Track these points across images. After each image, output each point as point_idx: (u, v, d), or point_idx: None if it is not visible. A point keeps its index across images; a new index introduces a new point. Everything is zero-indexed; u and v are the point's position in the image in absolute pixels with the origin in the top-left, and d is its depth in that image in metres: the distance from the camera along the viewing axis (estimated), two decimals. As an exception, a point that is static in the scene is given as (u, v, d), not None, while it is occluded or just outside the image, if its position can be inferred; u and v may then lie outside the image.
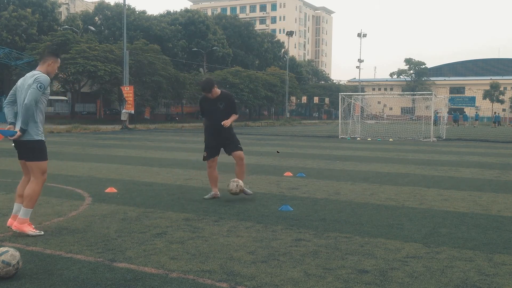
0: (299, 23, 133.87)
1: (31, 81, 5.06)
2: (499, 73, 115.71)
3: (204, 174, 10.52)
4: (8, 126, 5.29)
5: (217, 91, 7.45)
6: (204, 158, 7.57)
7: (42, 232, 5.24)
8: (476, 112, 71.97)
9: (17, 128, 5.12)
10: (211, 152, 7.50)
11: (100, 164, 12.25)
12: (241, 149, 7.51)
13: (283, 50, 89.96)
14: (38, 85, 5.01)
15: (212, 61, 66.53)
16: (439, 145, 21.97)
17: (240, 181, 7.32)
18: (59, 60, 5.38)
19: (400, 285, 3.87)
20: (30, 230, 5.17)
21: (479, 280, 3.99)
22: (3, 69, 46.64)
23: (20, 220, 5.17)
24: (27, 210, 5.18)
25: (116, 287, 3.74)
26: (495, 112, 74.42)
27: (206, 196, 7.56)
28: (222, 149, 7.57)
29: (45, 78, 5.11)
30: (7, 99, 5.40)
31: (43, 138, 5.23)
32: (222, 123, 7.20)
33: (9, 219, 5.46)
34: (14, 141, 5.19)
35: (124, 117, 36.50)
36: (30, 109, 4.98)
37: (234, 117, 7.39)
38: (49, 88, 5.24)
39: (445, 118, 34.23)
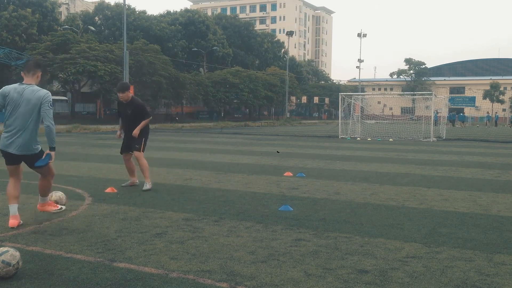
0: (299, 23, 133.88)
1: (38, 101, 5.38)
2: (499, 73, 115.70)
3: (204, 174, 10.54)
4: None
5: (129, 96, 8.22)
6: (120, 152, 8.64)
7: (64, 207, 6.06)
8: (461, 114, 72.10)
9: (37, 147, 5.53)
10: (123, 148, 8.51)
11: (100, 164, 12.25)
12: (137, 150, 8.30)
13: (283, 50, 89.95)
14: (50, 104, 5.45)
15: (212, 61, 66.55)
16: (439, 145, 21.97)
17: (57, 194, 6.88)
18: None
19: (400, 285, 3.87)
20: (52, 208, 5.92)
21: (479, 280, 3.99)
22: (3, 69, 46.63)
23: (43, 203, 5.90)
24: (46, 198, 5.91)
25: (116, 287, 3.74)
26: (487, 112, 74.56)
27: (123, 184, 8.57)
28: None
29: (50, 95, 5.53)
30: None
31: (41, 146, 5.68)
32: (133, 133, 8.13)
33: (11, 220, 5.51)
34: (15, 154, 5.45)
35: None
36: (53, 128, 5.44)
37: (143, 123, 8.22)
38: None
39: (445, 118, 34.24)
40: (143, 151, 8.35)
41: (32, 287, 3.72)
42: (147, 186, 8.27)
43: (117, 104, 8.57)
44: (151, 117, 8.48)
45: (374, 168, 12.10)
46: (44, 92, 5.45)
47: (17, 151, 5.39)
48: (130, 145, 8.34)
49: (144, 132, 8.38)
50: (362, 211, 6.73)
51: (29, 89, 5.42)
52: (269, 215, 6.40)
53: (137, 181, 8.67)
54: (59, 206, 5.99)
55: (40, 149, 5.58)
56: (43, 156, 5.51)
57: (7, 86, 5.51)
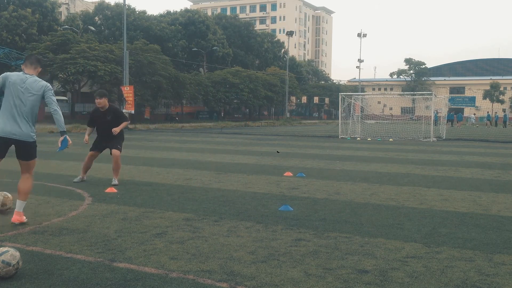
0: (299, 23, 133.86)
1: (41, 89, 5.56)
2: (499, 73, 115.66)
3: (204, 174, 10.54)
4: None
5: (107, 103, 8.87)
6: (91, 149, 9.28)
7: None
8: (459, 113, 72.28)
9: (34, 134, 5.64)
10: (96, 147, 9.18)
11: (100, 164, 12.25)
12: (119, 150, 8.98)
13: (283, 50, 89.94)
14: (52, 91, 5.69)
15: (212, 61, 66.55)
16: (439, 145, 21.97)
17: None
18: None
19: (400, 285, 3.87)
20: (24, 218, 5.70)
21: (479, 280, 3.99)
22: (3, 69, 46.45)
23: (21, 213, 5.66)
24: (24, 203, 5.71)
25: (116, 287, 3.74)
26: (487, 112, 74.75)
27: (75, 180, 9.07)
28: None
29: (50, 85, 5.71)
30: None
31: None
32: (112, 130, 8.76)
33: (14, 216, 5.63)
34: (15, 141, 5.50)
35: (124, 117, 36.47)
36: (60, 112, 5.66)
37: (123, 124, 8.96)
38: None
39: (445, 118, 34.23)
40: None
41: (32, 287, 3.72)
42: (116, 181, 8.88)
43: (92, 112, 9.20)
44: (129, 121, 9.19)
45: (374, 168, 12.10)
46: (44, 82, 5.66)
47: (16, 136, 5.43)
48: (106, 145, 9.04)
49: (123, 134, 9.25)
50: (362, 211, 6.73)
51: (31, 78, 5.58)
52: (269, 215, 6.40)
53: (86, 178, 9.25)
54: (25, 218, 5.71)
55: (36, 139, 5.66)
56: (59, 142, 5.69)
57: (8, 72, 5.63)
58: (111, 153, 9.02)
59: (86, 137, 9.17)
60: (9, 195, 6.26)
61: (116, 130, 8.78)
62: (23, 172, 5.71)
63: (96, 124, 9.14)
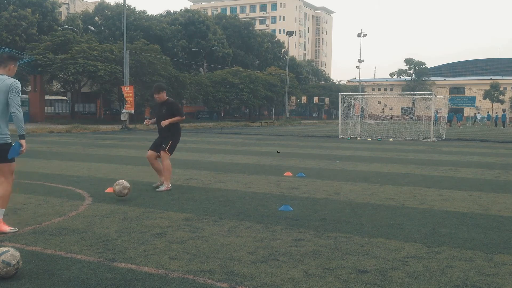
0: (299, 23, 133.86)
1: (6, 88, 5.22)
2: (499, 73, 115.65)
3: (204, 174, 10.54)
4: None
5: (165, 96, 8.53)
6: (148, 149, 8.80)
7: (17, 229, 5.40)
8: (459, 114, 72.55)
9: (6, 136, 5.25)
10: (151, 146, 8.69)
11: (100, 164, 12.25)
12: (162, 149, 8.43)
13: (283, 50, 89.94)
14: (17, 91, 5.25)
15: (212, 61, 66.53)
16: (439, 145, 21.97)
17: (123, 183, 7.34)
18: (16, 64, 5.58)
19: (400, 285, 3.87)
20: (6, 228, 5.34)
21: (479, 280, 3.99)
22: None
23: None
24: (2, 210, 5.34)
25: (116, 287, 3.74)
26: (488, 112, 74.88)
27: (154, 185, 8.60)
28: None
29: (19, 83, 5.35)
30: None
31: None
32: (161, 123, 8.36)
33: None
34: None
35: (124, 117, 36.49)
36: (20, 115, 5.21)
37: (175, 119, 8.44)
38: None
39: (445, 118, 34.24)
40: (169, 152, 8.43)
41: (32, 287, 3.72)
42: (163, 187, 8.31)
43: (155, 105, 8.92)
44: (184, 117, 8.73)
45: (374, 168, 12.10)
46: (12, 80, 5.29)
47: None
48: (158, 145, 8.52)
49: (175, 133, 8.53)
50: (362, 211, 6.73)
51: (4, 81, 5.28)
52: (269, 215, 6.40)
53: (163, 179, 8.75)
54: (12, 228, 5.40)
55: (10, 141, 5.30)
56: (12, 146, 5.24)
57: None
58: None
59: (149, 121, 8.85)
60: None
61: (164, 122, 8.33)
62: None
63: (155, 116, 8.77)
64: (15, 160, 5.41)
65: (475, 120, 69.27)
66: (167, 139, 8.43)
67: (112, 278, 3.92)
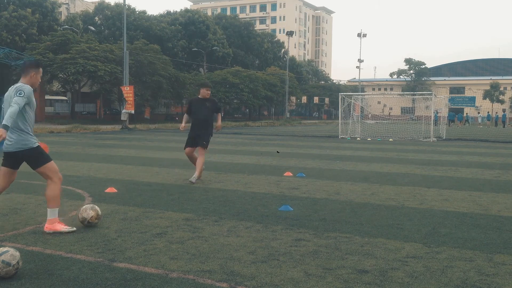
0: (299, 23, 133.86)
1: (13, 93, 5.12)
2: (499, 73, 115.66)
3: (204, 174, 10.53)
4: None
5: (209, 93, 9.36)
6: (185, 147, 9.42)
7: (75, 228, 5.37)
8: (460, 114, 72.57)
9: (27, 141, 5.19)
10: (188, 143, 9.32)
11: (100, 164, 12.25)
12: (204, 146, 9.18)
13: (283, 50, 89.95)
14: (18, 92, 5.08)
15: (212, 61, 66.53)
16: (439, 145, 21.97)
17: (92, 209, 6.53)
18: (41, 69, 5.41)
19: (400, 285, 3.87)
20: (62, 227, 5.32)
21: (479, 280, 3.99)
22: (3, 69, 46.59)
23: (51, 220, 5.31)
24: (54, 210, 5.34)
25: (116, 287, 3.74)
26: (488, 112, 74.88)
27: (191, 179, 9.04)
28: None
29: (27, 87, 5.17)
30: None
31: (37, 144, 5.32)
32: (217, 125, 9.66)
33: None
34: (11, 152, 5.20)
35: (124, 117, 36.49)
36: (14, 109, 5.00)
37: (220, 116, 9.67)
38: (33, 98, 5.27)
39: (445, 118, 34.24)
40: (207, 148, 9.31)
41: (32, 287, 3.72)
42: (194, 179, 9.01)
43: (191, 101, 9.54)
44: (222, 113, 9.71)
45: (374, 168, 12.10)
46: (18, 84, 5.21)
47: (10, 148, 5.15)
48: (197, 141, 9.17)
49: (212, 129, 9.43)
50: (362, 211, 6.73)
51: (13, 86, 5.23)
52: (269, 215, 6.40)
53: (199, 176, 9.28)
54: (70, 227, 5.38)
55: (36, 146, 5.26)
56: None
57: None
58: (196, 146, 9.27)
59: (183, 124, 9.51)
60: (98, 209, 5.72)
61: (219, 125, 9.75)
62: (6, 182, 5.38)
63: (193, 110, 9.24)
64: (51, 159, 5.37)
65: (466, 120, 69.07)
66: (208, 136, 9.24)
67: (112, 278, 3.92)
